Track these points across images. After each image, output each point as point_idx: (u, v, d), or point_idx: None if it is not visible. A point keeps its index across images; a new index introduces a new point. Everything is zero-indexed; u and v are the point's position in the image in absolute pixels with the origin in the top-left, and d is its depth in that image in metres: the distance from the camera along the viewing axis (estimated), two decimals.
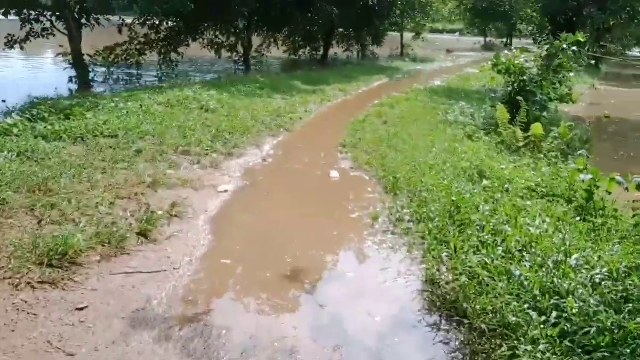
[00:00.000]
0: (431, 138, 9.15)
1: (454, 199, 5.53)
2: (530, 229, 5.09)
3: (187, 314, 3.71)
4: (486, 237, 4.83)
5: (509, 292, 3.85)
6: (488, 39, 50.90)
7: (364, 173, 7.30)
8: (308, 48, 24.75)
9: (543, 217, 5.53)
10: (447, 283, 4.21)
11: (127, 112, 8.82)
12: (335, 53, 26.91)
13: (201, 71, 19.63)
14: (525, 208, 5.72)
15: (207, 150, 7.59)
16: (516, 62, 11.29)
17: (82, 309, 3.65)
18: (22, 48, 14.14)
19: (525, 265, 4.25)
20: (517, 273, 4.16)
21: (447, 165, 7.24)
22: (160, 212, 5.21)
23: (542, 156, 8.57)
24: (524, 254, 4.54)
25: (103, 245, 4.41)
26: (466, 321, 3.68)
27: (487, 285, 3.98)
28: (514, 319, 3.54)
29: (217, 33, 18.99)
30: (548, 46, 11.51)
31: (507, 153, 8.86)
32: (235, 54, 19.79)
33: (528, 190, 6.51)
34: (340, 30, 25.59)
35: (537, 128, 9.32)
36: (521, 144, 9.35)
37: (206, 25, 18.09)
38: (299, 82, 15.89)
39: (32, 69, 19.26)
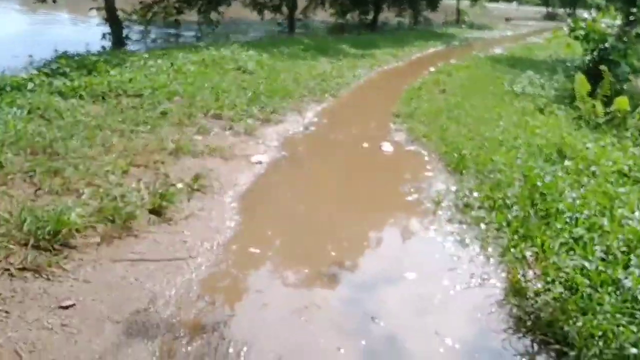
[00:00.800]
0: (497, 110, 8.04)
1: (538, 183, 4.50)
2: (630, 222, 4.08)
3: (201, 321, 2.85)
4: (580, 232, 3.83)
5: (620, 309, 2.88)
6: (550, 9, 48.13)
7: (422, 147, 6.29)
8: (357, 11, 23.39)
9: None
10: (537, 294, 3.22)
11: (156, 70, 8.02)
12: (386, 17, 25.52)
13: (242, 32, 18.67)
14: (619, 196, 4.66)
15: (241, 114, 6.69)
16: (596, 26, 9.94)
17: (67, 307, 2.82)
18: (54, 1, 13.44)
19: (635, 273, 3.26)
20: (628, 284, 3.19)
21: (518, 142, 6.19)
22: (180, 185, 4.35)
23: (628, 134, 7.38)
24: (630, 256, 3.54)
25: (105, 224, 3.57)
26: (570, 352, 2.69)
27: (591, 299, 3.01)
28: (634, 350, 2.58)
29: None
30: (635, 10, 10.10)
31: (586, 129, 7.70)
32: (279, 14, 18.75)
33: (618, 174, 5.43)
34: None
35: (622, 102, 8.04)
36: (602, 119, 8.12)
37: None
38: (346, 45, 14.83)
39: (69, 25, 18.66)
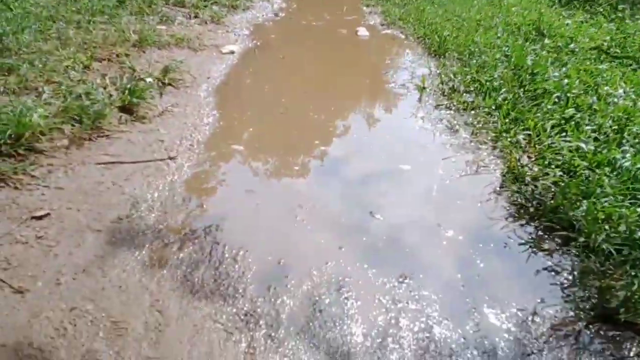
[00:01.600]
0: None
1: (527, 62, 4.30)
2: (615, 99, 4.02)
3: (190, 225, 2.66)
4: (570, 112, 3.71)
5: (620, 190, 2.81)
6: None
7: (399, 31, 5.96)
8: None
9: (621, 84, 4.47)
10: (535, 179, 3.12)
11: None
12: None
13: None
14: (601, 73, 4.57)
15: (206, 1, 6.17)
16: None
17: (40, 217, 2.60)
18: None
19: (631, 151, 3.21)
20: (626, 163, 3.12)
21: (496, 21, 5.94)
22: (149, 79, 4.01)
23: (601, 9, 7.21)
24: (622, 135, 3.48)
25: (72, 125, 3.27)
26: (580, 238, 2.61)
27: (590, 181, 2.92)
28: None
29: None
30: None
31: (559, 6, 7.46)
32: None
33: (597, 51, 5.33)
34: None
35: None
36: None
37: None
38: None
39: None
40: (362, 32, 5.85)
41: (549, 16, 6.41)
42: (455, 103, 4.13)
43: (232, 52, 4.99)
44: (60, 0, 5.43)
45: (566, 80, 4.17)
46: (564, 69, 4.67)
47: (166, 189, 2.90)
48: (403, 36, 5.78)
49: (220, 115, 3.78)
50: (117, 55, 4.36)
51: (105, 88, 3.73)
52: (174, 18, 5.54)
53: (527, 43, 5.33)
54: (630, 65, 5.30)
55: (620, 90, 4.27)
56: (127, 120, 3.47)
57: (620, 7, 6.96)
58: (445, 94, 4.31)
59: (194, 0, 6.12)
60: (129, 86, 3.71)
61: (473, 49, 5.05)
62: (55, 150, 3.08)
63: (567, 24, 5.83)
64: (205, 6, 6.04)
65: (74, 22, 4.87)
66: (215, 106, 3.90)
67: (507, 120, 3.75)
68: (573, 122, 3.65)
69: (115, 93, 3.68)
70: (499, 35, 5.49)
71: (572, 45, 5.36)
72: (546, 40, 5.46)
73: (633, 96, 4.23)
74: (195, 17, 5.72)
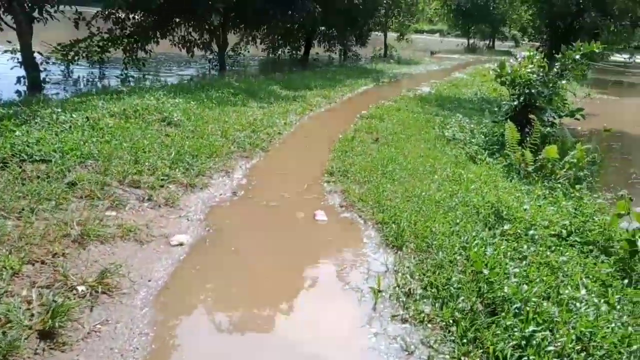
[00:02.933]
0: (430, 161, 7.92)
1: (484, 271, 4.16)
2: (577, 304, 3.93)
3: None
4: (530, 329, 3.51)
5: None
6: (471, 41, 49.86)
7: (358, 214, 5.88)
8: (288, 47, 23.32)
9: (584, 281, 4.39)
10: None
11: (70, 127, 7.26)
12: (317, 53, 25.51)
13: (171, 71, 18.08)
14: (561, 266, 4.57)
15: (162, 179, 6.08)
16: (522, 72, 10.09)
17: None
18: None
19: None
20: None
21: (455, 201, 5.95)
22: (82, 288, 3.72)
23: (558, 184, 7.43)
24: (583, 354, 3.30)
25: None
26: None
27: None
28: None
29: (190, 30, 17.37)
30: (559, 56, 10.35)
31: (517, 180, 7.63)
32: (209, 52, 18.25)
33: (557, 238, 5.37)
34: (322, 28, 24.16)
35: (551, 151, 8.16)
36: (531, 168, 8.18)
37: (177, 20, 16.45)
38: (277, 86, 14.49)
39: None
40: (320, 216, 5.76)
41: (508, 194, 6.49)
42: (411, 313, 3.90)
43: (182, 244, 4.79)
44: (7, 182, 5.25)
45: (525, 287, 4.02)
46: (523, 262, 4.60)
47: None
48: (362, 221, 5.69)
49: (156, 335, 3.45)
50: (54, 255, 4.10)
51: (29, 304, 3.42)
52: (126, 202, 5.39)
53: (487, 230, 5.29)
54: (591, 251, 5.30)
55: (583, 291, 4.18)
56: (44, 349, 3.12)
57: (577, 186, 7.11)
58: (401, 300, 4.08)
59: (151, 179, 6.03)
60: (55, 301, 3.40)
61: (431, 241, 4.94)
62: None
63: (526, 209, 5.85)
64: (162, 186, 5.94)
65: (15, 212, 4.65)
66: (151, 322, 3.58)
67: (464, 341, 3.51)
68: (534, 342, 3.44)
69: (39, 311, 3.36)
70: (457, 220, 5.44)
71: (531, 232, 5.34)
72: (505, 227, 5.43)
73: (595, 299, 4.13)
74: (149, 199, 5.58)
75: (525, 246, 4.99)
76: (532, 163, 8.23)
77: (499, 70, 10.53)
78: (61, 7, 12.41)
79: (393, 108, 13.12)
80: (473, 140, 10.06)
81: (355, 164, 7.53)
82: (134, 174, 6.05)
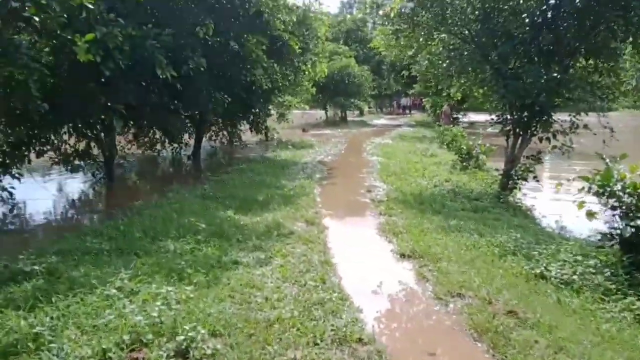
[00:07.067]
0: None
1: None
2: None
3: None
4: None
5: None
6: (329, 113, 49.02)
7: None
8: (171, 143, 19.11)
9: None
10: None
11: None
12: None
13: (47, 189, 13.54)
14: None
15: None
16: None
17: None
18: None
19: None
20: None
21: None
22: None
23: None
24: None
25: None
26: None
27: None
28: None
29: (70, 139, 13.15)
30: None
31: None
32: (91, 162, 14.02)
33: None
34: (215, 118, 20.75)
35: None
36: None
37: (62, 131, 12.23)
38: (230, 211, 10.07)
39: None
40: None
41: None
42: None
43: None
44: None
45: None
46: None
47: None
48: None
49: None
50: None
51: None
52: None
53: None
54: None
55: None
56: None
57: None
58: None
59: None
60: None
61: None
62: None
63: None
64: None
65: None
66: None
67: None
68: None
69: None
70: None
71: None
72: None
73: None
74: None
75: None
76: None
77: (600, 180, 8.05)
78: None
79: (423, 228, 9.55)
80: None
81: None
82: None
